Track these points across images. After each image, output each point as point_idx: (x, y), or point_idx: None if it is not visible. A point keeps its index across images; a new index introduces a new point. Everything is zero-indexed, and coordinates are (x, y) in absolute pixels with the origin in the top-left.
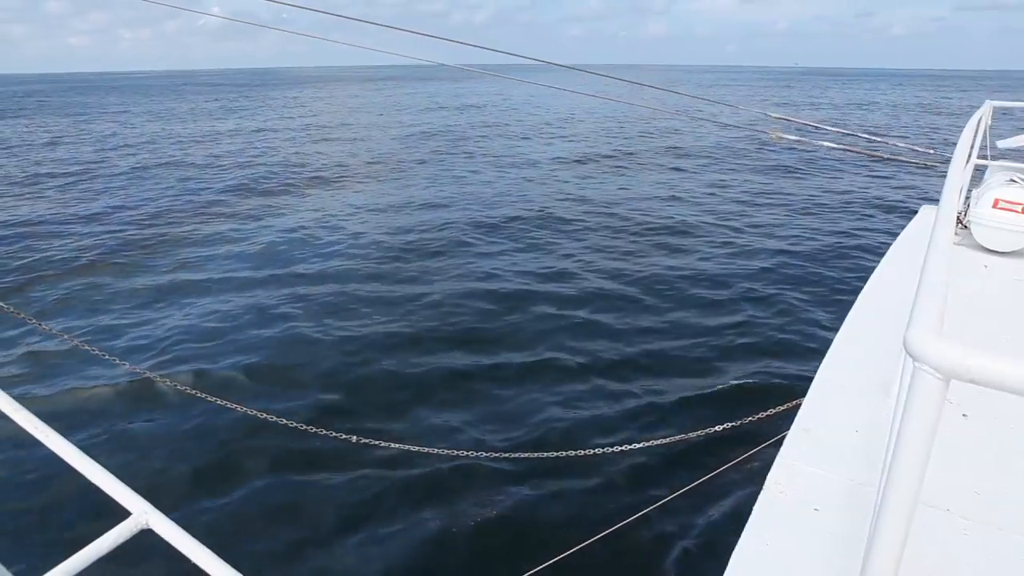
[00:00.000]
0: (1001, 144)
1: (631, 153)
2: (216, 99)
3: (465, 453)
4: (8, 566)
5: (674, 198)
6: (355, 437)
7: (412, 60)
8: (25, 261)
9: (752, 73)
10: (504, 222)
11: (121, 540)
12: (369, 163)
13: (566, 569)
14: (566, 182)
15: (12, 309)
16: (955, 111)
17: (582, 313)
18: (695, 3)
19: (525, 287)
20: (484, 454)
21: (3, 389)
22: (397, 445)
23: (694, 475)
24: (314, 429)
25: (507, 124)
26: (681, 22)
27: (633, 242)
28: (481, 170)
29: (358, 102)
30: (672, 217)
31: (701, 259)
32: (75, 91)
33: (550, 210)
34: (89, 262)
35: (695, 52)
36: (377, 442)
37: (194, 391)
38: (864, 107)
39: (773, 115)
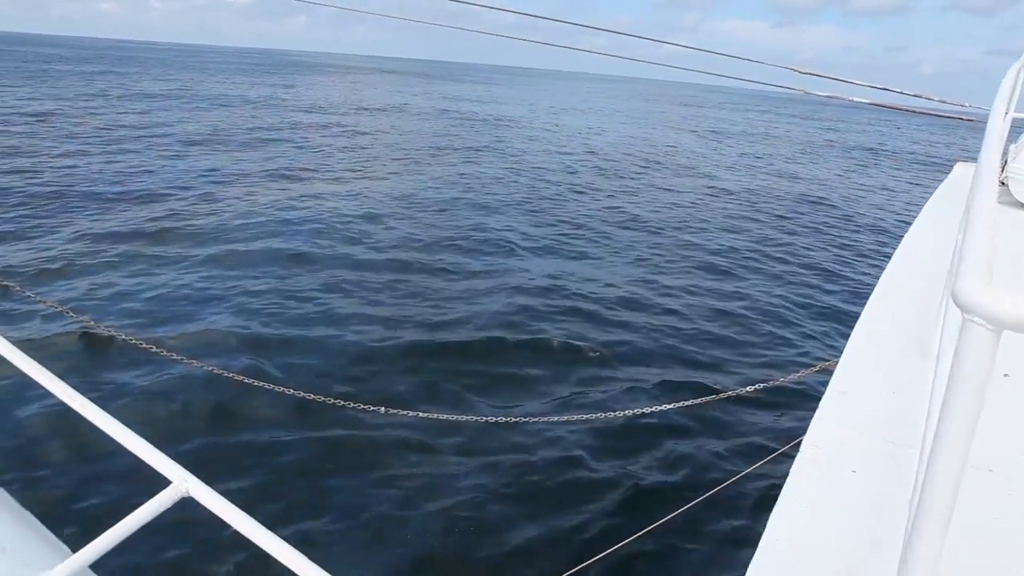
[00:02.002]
0: None
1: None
2: (247, 78)
3: (504, 420)
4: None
5: (714, 162)
6: (383, 408)
7: (439, 56)
8: (38, 240)
9: (774, 99)
10: (534, 218)
11: (162, 509)
12: (404, 156)
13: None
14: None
15: (18, 288)
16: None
17: (607, 289)
18: (725, 24)
19: (552, 271)
20: (527, 420)
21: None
22: (425, 415)
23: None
24: (343, 402)
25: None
26: (709, 42)
27: (660, 187)
28: (509, 169)
29: (385, 93)
30: (705, 174)
31: (726, 219)
32: (103, 59)
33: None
34: (107, 241)
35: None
36: (405, 412)
37: (219, 371)
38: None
39: (801, 71)
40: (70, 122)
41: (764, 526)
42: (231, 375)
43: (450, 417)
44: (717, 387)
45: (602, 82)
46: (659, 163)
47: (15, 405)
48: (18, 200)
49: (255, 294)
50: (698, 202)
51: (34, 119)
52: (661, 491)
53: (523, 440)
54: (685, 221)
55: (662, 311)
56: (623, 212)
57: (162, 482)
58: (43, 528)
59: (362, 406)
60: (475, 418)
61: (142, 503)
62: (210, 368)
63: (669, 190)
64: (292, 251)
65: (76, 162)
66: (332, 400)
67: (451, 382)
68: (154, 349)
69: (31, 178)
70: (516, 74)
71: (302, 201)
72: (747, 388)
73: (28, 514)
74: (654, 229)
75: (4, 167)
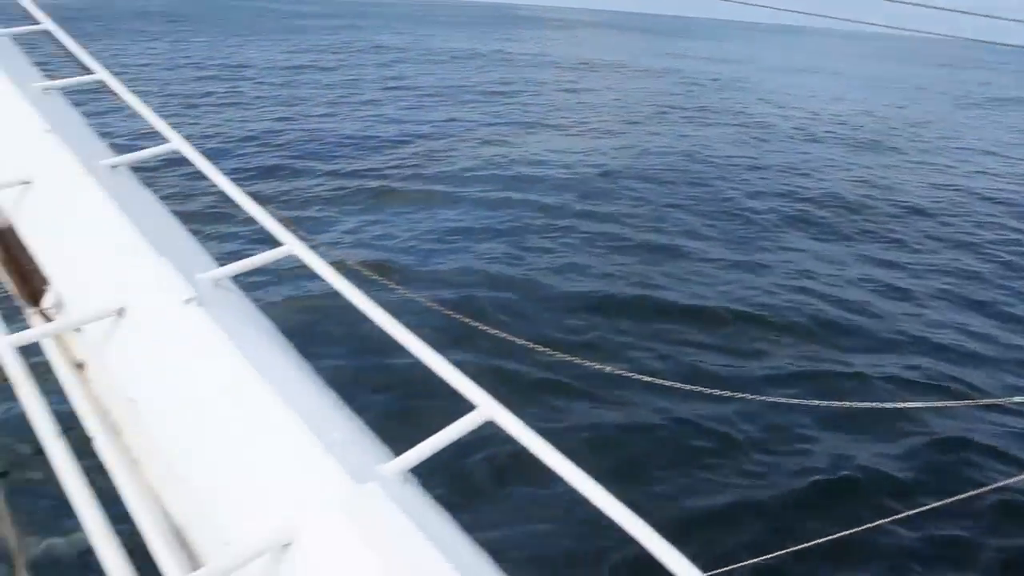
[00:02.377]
0: None
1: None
2: (476, 31)
3: (727, 394)
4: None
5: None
6: (608, 367)
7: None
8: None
9: None
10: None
11: (468, 429)
12: (631, 114)
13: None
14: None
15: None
16: None
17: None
18: None
19: (790, 246)
20: (751, 397)
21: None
22: (650, 379)
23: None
24: (562, 354)
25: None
26: None
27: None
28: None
29: (606, 49)
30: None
31: (1003, 204)
32: (345, 14)
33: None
34: (354, 184)
35: (1001, 29)
36: (630, 374)
37: (447, 310)
38: None
39: None
40: (322, 74)
41: (1004, 547)
42: (459, 316)
43: (664, 382)
44: (973, 392)
45: (838, 39)
46: (916, 135)
47: (338, 327)
48: (283, 141)
49: (488, 241)
50: (968, 184)
51: (292, 71)
52: (886, 490)
53: (740, 417)
54: (949, 205)
55: (915, 303)
56: (871, 187)
57: (461, 402)
58: (370, 431)
59: (587, 362)
60: (696, 388)
61: (444, 421)
62: (443, 308)
63: (927, 165)
64: (525, 202)
65: (328, 111)
66: (548, 349)
67: (671, 347)
68: (400, 288)
69: (291, 123)
70: (739, 29)
71: (534, 154)
72: (1013, 398)
73: (359, 418)
74: (910, 211)
75: (270, 115)
